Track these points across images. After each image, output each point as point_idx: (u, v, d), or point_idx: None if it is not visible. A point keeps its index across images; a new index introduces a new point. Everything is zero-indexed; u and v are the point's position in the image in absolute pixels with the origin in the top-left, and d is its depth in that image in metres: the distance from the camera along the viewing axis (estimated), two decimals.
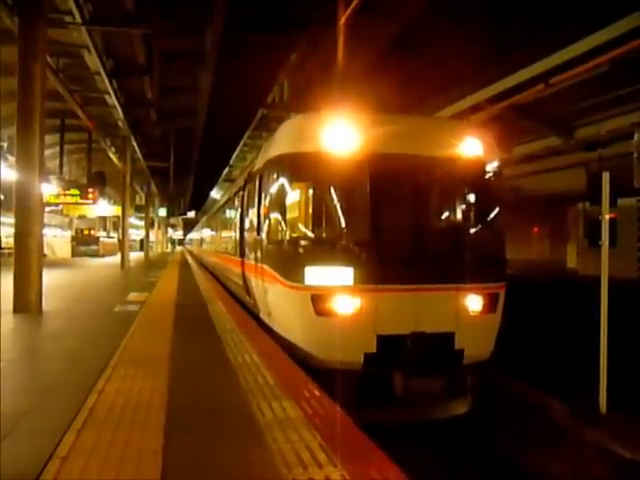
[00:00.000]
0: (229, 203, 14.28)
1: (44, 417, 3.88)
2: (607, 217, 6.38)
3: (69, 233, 45.65)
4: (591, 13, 11.38)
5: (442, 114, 16.68)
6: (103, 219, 52.98)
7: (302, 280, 5.89)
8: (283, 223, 6.62)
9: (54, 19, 10.92)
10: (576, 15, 11.62)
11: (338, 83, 12.39)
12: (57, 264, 26.45)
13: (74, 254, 40.30)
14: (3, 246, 33.99)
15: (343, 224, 6.18)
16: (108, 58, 14.95)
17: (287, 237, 6.57)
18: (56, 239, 43.22)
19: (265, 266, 7.08)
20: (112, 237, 50.94)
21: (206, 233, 25.74)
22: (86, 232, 45.05)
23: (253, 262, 8.04)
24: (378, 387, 5.82)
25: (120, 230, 30.87)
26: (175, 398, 4.22)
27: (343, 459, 3.08)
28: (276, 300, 6.78)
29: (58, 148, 24.87)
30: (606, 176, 6.19)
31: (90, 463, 3.02)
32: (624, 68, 12.62)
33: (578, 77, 13.45)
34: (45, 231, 17.05)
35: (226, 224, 14.89)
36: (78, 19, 11.32)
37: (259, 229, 7.71)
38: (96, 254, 40.49)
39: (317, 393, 4.39)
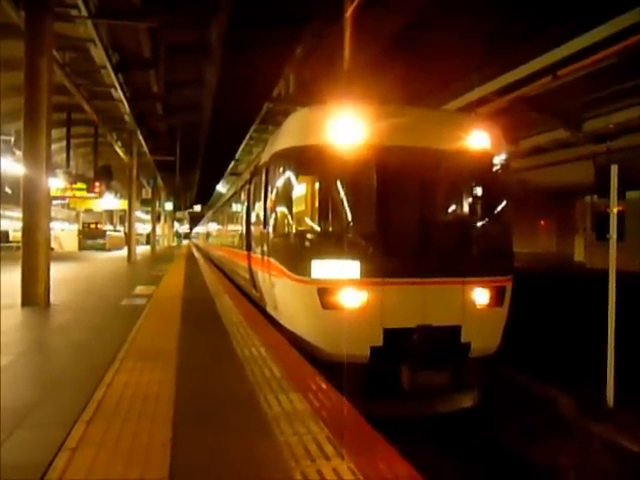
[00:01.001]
0: (235, 197, 14.28)
1: (53, 409, 3.91)
2: (615, 210, 6.34)
3: (76, 227, 45.86)
4: (599, 4, 11.28)
5: (448, 107, 16.60)
6: (110, 213, 53.20)
7: (309, 273, 5.90)
8: (290, 216, 6.61)
9: (60, 13, 10.92)
10: (584, 6, 11.52)
11: (344, 76, 12.34)
12: (64, 258, 26.58)
13: (81, 248, 40.50)
14: (11, 240, 34.20)
15: (350, 217, 6.16)
16: (114, 52, 14.96)
17: (294, 230, 6.57)
18: (63, 233, 43.51)
19: (272, 259, 7.08)
20: (118, 231, 51.14)
21: (212, 227, 25.78)
22: (93, 226, 45.25)
23: (259, 255, 8.05)
24: (385, 380, 5.82)
25: (127, 224, 30.99)
26: (183, 391, 4.24)
27: (350, 451, 3.10)
28: (282, 293, 6.79)
29: (65, 142, 24.94)
30: (614, 169, 6.15)
31: (99, 454, 3.05)
32: (633, 60, 12.52)
33: (586, 69, 13.35)
34: (52, 225, 17.12)
35: (232, 218, 14.91)
36: (84, 12, 11.33)
37: (265, 222, 7.71)
38: (103, 248, 40.67)
39: (324, 386, 4.40)
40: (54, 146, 21.78)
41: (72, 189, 26.72)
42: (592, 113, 17.80)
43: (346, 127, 6.06)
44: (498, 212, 6.80)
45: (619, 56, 12.30)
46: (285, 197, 6.71)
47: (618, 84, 15.14)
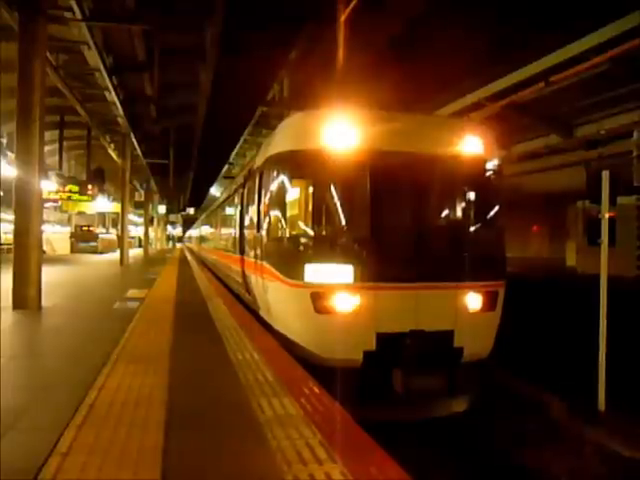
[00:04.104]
0: (229, 200, 14.27)
1: (44, 413, 3.88)
2: (607, 216, 6.39)
3: (68, 229, 45.63)
4: (592, 11, 11.38)
5: (442, 112, 16.68)
6: (102, 216, 52.94)
7: (302, 278, 5.90)
8: (283, 220, 6.62)
9: (54, 15, 10.89)
10: (577, 13, 11.62)
11: (338, 80, 12.38)
12: (56, 260, 26.42)
13: (73, 250, 40.29)
14: (2, 242, 33.98)
15: (343, 222, 6.18)
16: (108, 54, 14.95)
17: (287, 234, 6.57)
18: (55, 235, 43.21)
19: (265, 263, 7.08)
20: (111, 234, 50.90)
21: (206, 230, 25.72)
22: (85, 229, 45.04)
23: (253, 259, 8.04)
24: (378, 385, 5.83)
25: (119, 227, 30.84)
26: (175, 395, 4.22)
27: (343, 456, 3.09)
28: (276, 298, 6.79)
29: (57, 144, 24.84)
30: (606, 174, 6.20)
31: (91, 459, 3.03)
32: (625, 66, 12.62)
33: (578, 75, 13.44)
34: (44, 227, 17.02)
35: (226, 221, 14.89)
36: (78, 15, 11.30)
37: (259, 226, 7.71)
38: (95, 251, 40.45)
39: (317, 390, 4.39)
40: (47, 148, 21.73)
41: (64, 192, 26.52)
42: (584, 119, 17.90)
43: (340, 132, 6.08)
44: (491, 217, 6.82)
45: (611, 63, 12.40)
46: (279, 201, 6.71)
47: (610, 91, 15.24)
